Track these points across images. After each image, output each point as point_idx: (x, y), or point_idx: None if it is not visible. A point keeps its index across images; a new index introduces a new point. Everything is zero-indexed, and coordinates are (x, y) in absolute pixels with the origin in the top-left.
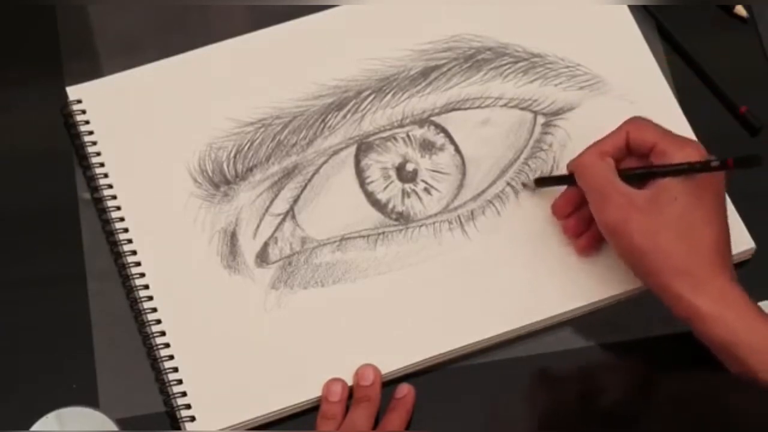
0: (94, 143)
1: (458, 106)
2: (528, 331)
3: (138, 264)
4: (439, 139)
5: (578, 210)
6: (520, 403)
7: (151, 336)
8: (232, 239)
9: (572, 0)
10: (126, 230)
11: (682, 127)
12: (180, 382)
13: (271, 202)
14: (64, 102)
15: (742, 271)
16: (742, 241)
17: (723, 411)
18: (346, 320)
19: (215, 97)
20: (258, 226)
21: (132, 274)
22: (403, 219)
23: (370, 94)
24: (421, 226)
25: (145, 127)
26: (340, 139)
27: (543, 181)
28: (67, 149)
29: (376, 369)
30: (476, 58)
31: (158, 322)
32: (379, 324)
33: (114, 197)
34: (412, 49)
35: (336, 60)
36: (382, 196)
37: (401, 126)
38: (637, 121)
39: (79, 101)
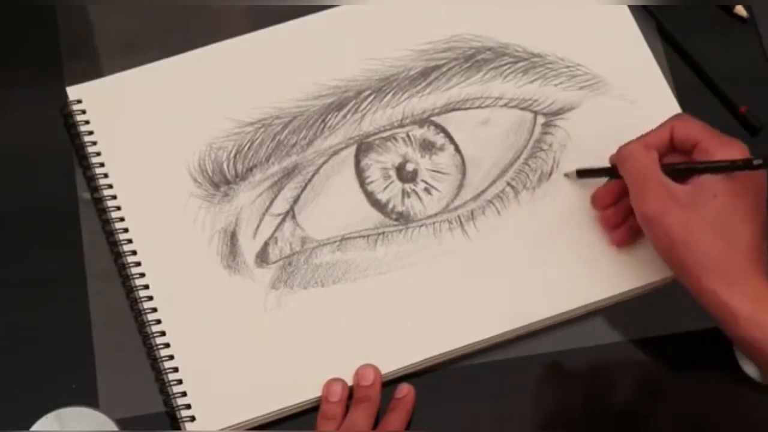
0: (94, 143)
1: (458, 106)
2: (528, 331)
3: (138, 264)
4: (439, 139)
5: (617, 203)
6: (526, 402)
7: (151, 336)
8: (232, 239)
9: (572, 0)
10: (126, 230)
11: None
12: (180, 382)
13: (271, 202)
14: (64, 102)
15: None
16: None
17: (734, 412)
18: (346, 320)
19: (215, 97)
20: (258, 226)
21: (132, 274)
22: (403, 219)
23: (370, 94)
24: (421, 226)
25: (145, 127)
26: (340, 139)
27: (585, 173)
28: (67, 149)
29: (376, 369)
30: (476, 58)
31: (158, 322)
32: (379, 324)
33: (114, 197)
34: (412, 49)
35: (336, 60)
36: (382, 196)
37: (401, 126)
38: (682, 118)
39: (79, 101)
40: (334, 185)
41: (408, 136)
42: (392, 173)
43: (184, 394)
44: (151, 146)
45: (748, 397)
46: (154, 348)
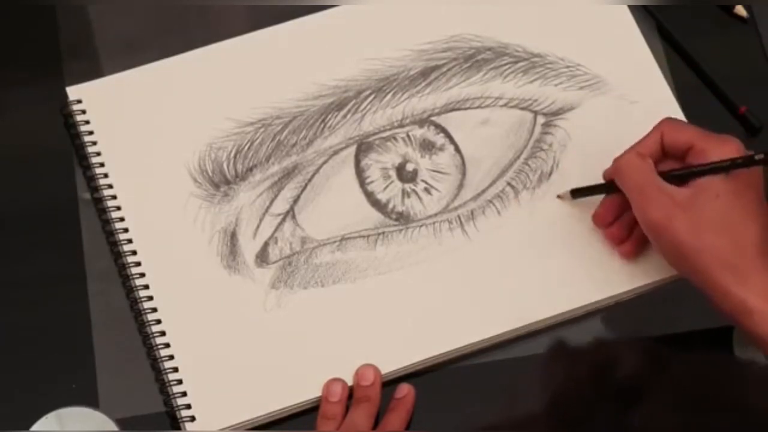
0: (94, 143)
1: (458, 106)
2: (528, 331)
3: (138, 264)
4: (439, 139)
5: (619, 217)
6: (526, 401)
7: (151, 336)
8: (232, 239)
9: (572, 0)
10: (126, 230)
11: None
12: (180, 382)
13: (271, 202)
14: (64, 102)
15: None
16: None
17: (734, 411)
18: (346, 320)
19: (215, 97)
20: (258, 226)
21: (132, 274)
22: (403, 219)
23: (370, 94)
24: (421, 226)
25: (145, 127)
26: (340, 139)
27: (579, 192)
28: (67, 149)
29: (376, 369)
30: (476, 58)
31: (158, 322)
32: (379, 324)
33: (114, 197)
34: (412, 49)
35: (336, 60)
36: (382, 196)
37: (401, 126)
38: (671, 122)
39: (79, 101)
40: (334, 185)
41: (408, 136)
42: (392, 173)
43: (184, 394)
44: (151, 146)
45: (748, 397)
46: (154, 348)
